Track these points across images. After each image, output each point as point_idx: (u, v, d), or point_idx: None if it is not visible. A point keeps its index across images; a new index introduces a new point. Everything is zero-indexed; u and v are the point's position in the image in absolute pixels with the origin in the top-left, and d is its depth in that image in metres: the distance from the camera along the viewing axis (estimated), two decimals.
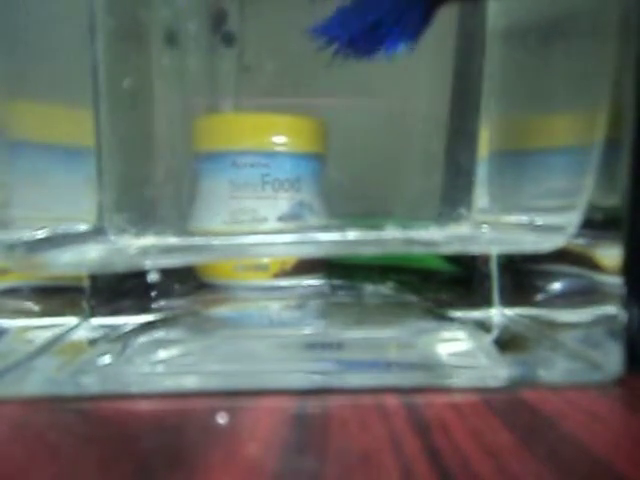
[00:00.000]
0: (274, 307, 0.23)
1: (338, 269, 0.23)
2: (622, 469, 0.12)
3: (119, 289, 0.21)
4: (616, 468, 0.12)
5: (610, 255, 0.16)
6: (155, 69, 0.25)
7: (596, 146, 0.16)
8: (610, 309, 0.16)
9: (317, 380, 0.16)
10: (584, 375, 0.16)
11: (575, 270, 0.18)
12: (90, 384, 0.16)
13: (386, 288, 0.23)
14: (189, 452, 0.12)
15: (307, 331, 0.20)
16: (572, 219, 0.17)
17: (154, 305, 0.21)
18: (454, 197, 0.22)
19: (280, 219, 0.23)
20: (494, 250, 0.21)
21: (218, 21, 0.27)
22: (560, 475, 0.11)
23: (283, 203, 0.23)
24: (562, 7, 0.19)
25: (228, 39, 0.26)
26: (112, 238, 0.20)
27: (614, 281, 0.16)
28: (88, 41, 0.20)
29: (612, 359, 0.16)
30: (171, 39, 0.25)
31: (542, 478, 0.11)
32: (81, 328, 0.19)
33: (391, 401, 0.15)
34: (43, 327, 0.19)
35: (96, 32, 0.20)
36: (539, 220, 0.19)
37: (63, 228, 0.19)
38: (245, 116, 0.24)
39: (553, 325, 0.18)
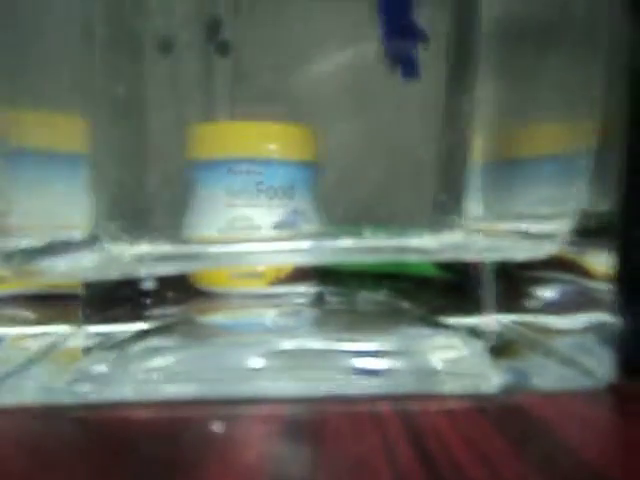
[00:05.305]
0: (269, 314, 0.23)
1: (333, 277, 0.23)
2: (613, 475, 0.12)
3: (114, 297, 0.21)
4: (608, 473, 0.12)
5: (602, 262, 0.16)
6: (150, 77, 0.25)
7: (587, 154, 0.17)
8: (602, 316, 0.16)
9: (311, 388, 0.16)
10: (576, 381, 0.16)
11: (567, 277, 0.18)
12: (85, 392, 0.16)
13: (380, 295, 0.23)
14: (185, 460, 0.12)
15: (302, 338, 0.20)
16: (564, 226, 0.17)
17: (149, 313, 0.21)
18: (447, 205, 0.23)
19: (275, 227, 0.23)
20: (487, 258, 0.21)
21: (213, 30, 0.27)
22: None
23: (277, 211, 0.23)
24: (553, 16, 0.19)
25: (223, 48, 0.27)
26: (106, 246, 0.20)
27: (606, 288, 0.16)
28: (84, 49, 0.20)
29: (604, 365, 0.16)
30: (165, 47, 0.26)
31: None
32: (76, 336, 0.19)
33: (385, 408, 0.15)
34: (38, 335, 0.19)
35: (93, 40, 0.20)
36: (532, 228, 0.19)
37: (59, 236, 0.19)
38: (240, 124, 0.24)
39: (546, 331, 0.18)
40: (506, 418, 0.14)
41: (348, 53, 0.25)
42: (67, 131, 0.19)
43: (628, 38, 0.16)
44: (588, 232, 0.17)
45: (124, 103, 0.23)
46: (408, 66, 0.24)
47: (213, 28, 0.27)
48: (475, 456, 0.12)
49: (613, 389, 0.16)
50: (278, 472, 0.12)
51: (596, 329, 0.17)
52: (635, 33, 0.16)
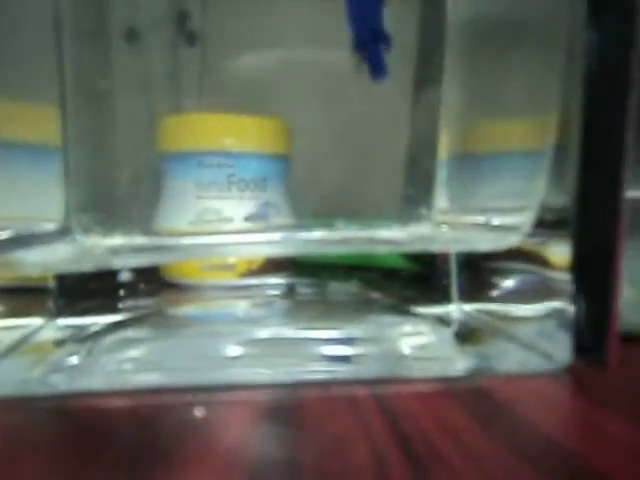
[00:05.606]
0: (241, 306, 0.23)
1: (304, 268, 0.24)
2: (572, 447, 0.13)
3: (86, 289, 0.21)
4: (568, 446, 0.13)
5: (559, 253, 0.18)
6: (119, 69, 0.25)
7: (549, 150, 0.18)
8: (560, 303, 0.18)
9: (287, 374, 0.17)
10: (536, 364, 0.17)
11: (528, 267, 0.19)
12: (59, 383, 0.16)
13: (351, 286, 0.24)
14: (166, 446, 0.13)
15: (275, 327, 0.20)
16: (526, 219, 0.18)
17: (121, 305, 0.21)
18: (415, 198, 0.23)
19: (246, 219, 0.24)
20: (453, 249, 0.22)
21: (180, 21, 0.27)
22: (517, 454, 0.12)
23: (249, 203, 0.24)
24: (517, 16, 0.20)
25: (191, 39, 0.27)
26: (79, 238, 0.20)
27: (563, 277, 0.17)
28: (54, 38, 0.20)
29: (561, 349, 0.17)
30: (132, 38, 0.25)
31: (500, 457, 0.12)
32: (48, 328, 0.19)
33: (359, 392, 0.16)
34: (8, 328, 0.18)
35: (63, 30, 0.20)
36: (495, 220, 0.20)
37: (31, 228, 0.19)
38: (211, 116, 0.24)
39: (508, 319, 0.20)
40: (473, 399, 0.15)
41: (317, 47, 0.26)
42: (39, 122, 0.19)
43: (584, 38, 0.17)
44: (547, 224, 0.18)
45: (95, 95, 0.23)
46: (375, 67, 0.24)
47: (180, 19, 0.27)
48: (447, 435, 0.13)
49: (569, 370, 0.17)
50: (260, 453, 0.12)
51: (554, 316, 0.18)
52: (590, 33, 0.17)
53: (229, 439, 0.13)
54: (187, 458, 0.12)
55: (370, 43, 0.24)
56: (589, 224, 0.16)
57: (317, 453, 0.12)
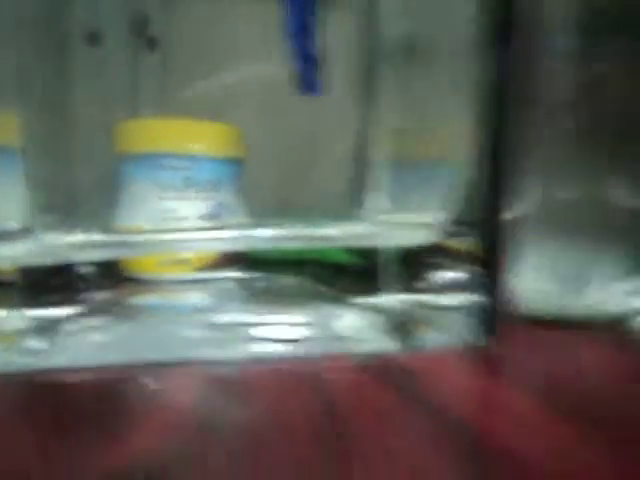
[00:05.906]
0: (196, 296, 0.25)
1: (256, 263, 0.26)
2: (475, 419, 0.15)
3: (47, 283, 0.22)
4: (473, 417, 0.15)
5: (473, 250, 0.20)
6: (78, 72, 0.26)
7: (467, 158, 0.20)
8: (473, 294, 0.20)
9: (238, 353, 0.19)
10: (455, 344, 0.20)
11: (450, 262, 0.22)
12: (27, 364, 0.18)
13: (299, 280, 0.26)
14: (128, 412, 0.15)
15: (228, 314, 0.22)
16: (448, 218, 0.20)
17: (82, 297, 0.23)
18: (358, 199, 0.26)
19: (200, 218, 0.25)
20: (380, 244, 0.24)
21: (139, 25, 0.28)
22: (435, 425, 0.14)
23: (203, 204, 0.25)
24: (441, 35, 0.22)
25: (150, 43, 0.28)
26: (40, 236, 0.21)
27: (476, 270, 0.20)
28: (13, 40, 0.21)
29: (475, 331, 0.20)
30: (92, 40, 0.26)
31: (421, 429, 0.14)
32: (12, 319, 0.21)
33: (299, 368, 0.18)
34: None
35: (24, 34, 0.21)
36: (424, 219, 0.23)
37: None
38: (170, 121, 0.26)
39: (432, 307, 0.22)
40: (396, 376, 0.18)
41: (268, 55, 0.27)
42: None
43: (493, 57, 0.19)
44: (466, 223, 0.21)
45: (53, 97, 0.24)
46: (307, 84, 0.26)
47: (140, 23, 0.28)
48: (372, 409, 0.15)
49: (482, 349, 0.20)
50: (208, 415, 0.14)
51: (468, 304, 0.20)
52: (499, 53, 0.19)
53: (181, 404, 0.15)
54: (145, 419, 0.14)
55: (304, 62, 0.25)
56: (491, 227, 0.19)
57: (257, 415, 0.14)
